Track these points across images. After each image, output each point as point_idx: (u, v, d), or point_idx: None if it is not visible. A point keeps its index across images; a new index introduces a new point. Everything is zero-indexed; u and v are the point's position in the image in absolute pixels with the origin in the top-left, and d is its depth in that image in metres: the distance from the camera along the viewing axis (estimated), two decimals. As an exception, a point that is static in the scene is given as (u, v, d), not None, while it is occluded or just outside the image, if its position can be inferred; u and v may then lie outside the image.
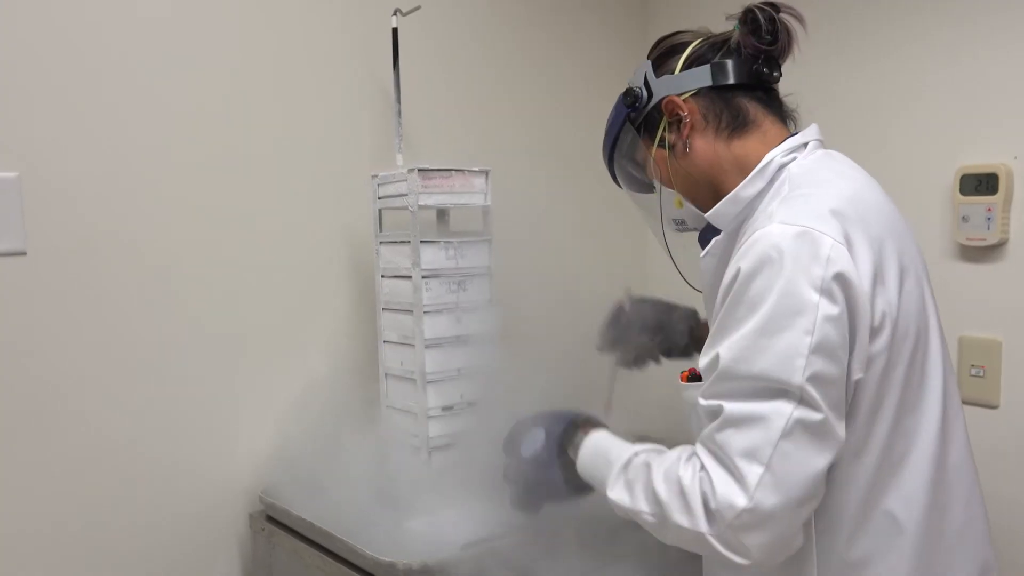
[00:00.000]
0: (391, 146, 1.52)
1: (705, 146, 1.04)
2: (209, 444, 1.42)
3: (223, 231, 1.42)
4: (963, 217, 1.46)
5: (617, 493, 0.99)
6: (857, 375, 0.89)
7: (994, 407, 1.49)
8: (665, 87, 1.05)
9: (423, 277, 1.34)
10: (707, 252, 1.04)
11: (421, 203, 1.34)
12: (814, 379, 0.85)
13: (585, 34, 1.89)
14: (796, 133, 1.06)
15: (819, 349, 0.85)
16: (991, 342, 1.47)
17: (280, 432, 1.48)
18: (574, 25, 1.87)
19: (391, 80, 1.50)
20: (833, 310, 0.86)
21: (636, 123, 1.09)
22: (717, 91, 1.03)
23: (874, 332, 0.89)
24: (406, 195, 1.36)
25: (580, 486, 1.08)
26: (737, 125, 1.03)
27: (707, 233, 1.06)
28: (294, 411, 1.48)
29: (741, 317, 0.89)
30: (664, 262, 1.19)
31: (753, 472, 0.85)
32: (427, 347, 1.35)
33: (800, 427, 0.85)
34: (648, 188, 1.16)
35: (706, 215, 1.04)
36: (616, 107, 1.11)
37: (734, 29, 1.05)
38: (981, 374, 1.49)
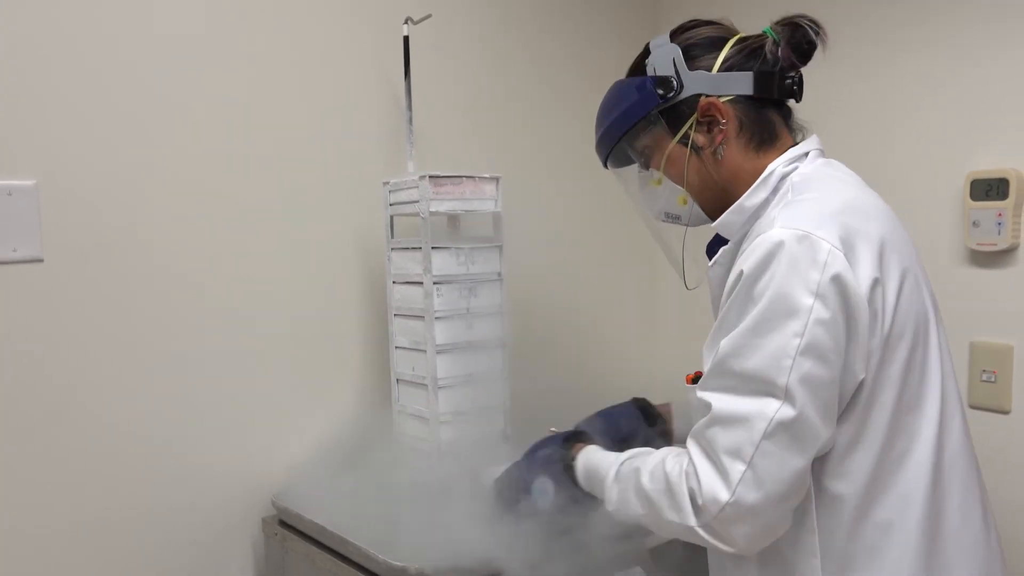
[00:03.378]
0: (402, 153, 1.53)
1: (735, 155, 1.03)
2: (221, 448, 1.43)
3: (236, 237, 1.43)
4: (974, 222, 1.46)
5: (614, 505, 1.04)
6: (860, 375, 0.91)
7: (1006, 412, 1.48)
8: (700, 84, 1.03)
9: (434, 283, 1.35)
10: (715, 262, 1.06)
11: (432, 209, 1.35)
12: (800, 380, 0.88)
13: (595, 41, 1.89)
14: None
15: (808, 351, 0.88)
16: (1002, 347, 1.47)
17: (293, 436, 1.49)
18: (584, 32, 1.87)
19: (402, 87, 1.51)
20: (826, 314, 0.88)
21: (658, 111, 1.05)
22: (753, 102, 1.03)
23: (872, 331, 0.91)
24: (418, 201, 1.37)
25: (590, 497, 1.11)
26: (765, 139, 1.04)
27: (714, 244, 1.08)
28: (306, 416, 1.49)
29: (739, 316, 0.92)
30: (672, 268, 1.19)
31: (736, 469, 0.90)
32: (438, 353, 1.36)
33: (782, 428, 0.89)
34: (633, 167, 1.15)
35: (713, 225, 1.06)
36: (639, 90, 1.06)
37: (766, 35, 1.04)
38: (993, 379, 1.48)
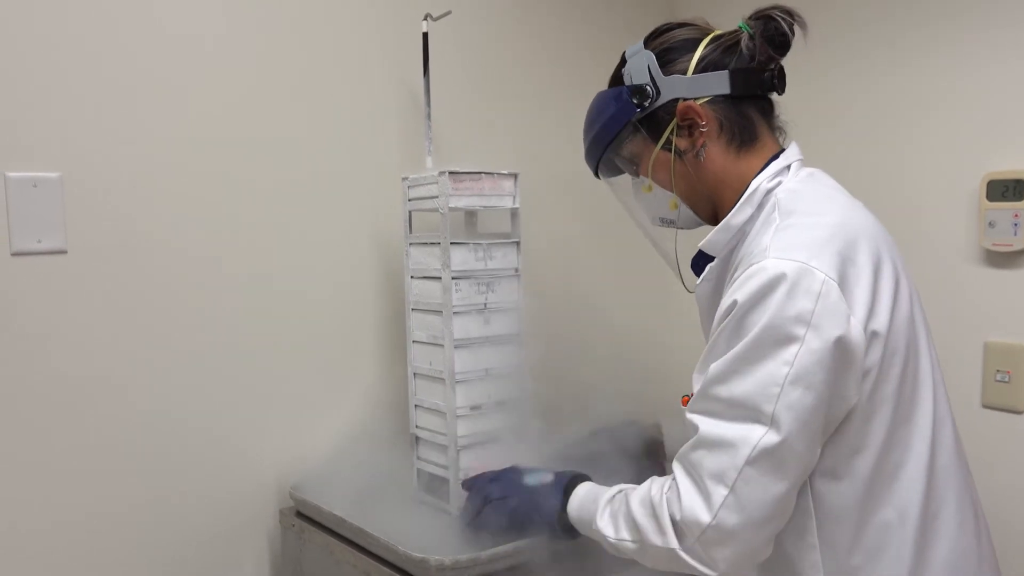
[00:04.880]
0: (420, 149, 1.54)
1: (717, 157, 1.04)
2: (239, 440, 1.45)
3: (255, 232, 1.44)
4: (990, 223, 1.47)
5: (603, 524, 1.05)
6: (853, 400, 0.92)
7: (1020, 412, 1.49)
8: (676, 88, 1.03)
9: (453, 278, 1.36)
10: (703, 279, 1.07)
11: (452, 205, 1.36)
12: (787, 408, 0.89)
13: (612, 38, 1.89)
14: (783, 149, 1.06)
15: (797, 380, 0.89)
16: (1017, 347, 1.47)
17: (309, 428, 1.50)
18: (601, 29, 1.88)
19: (421, 84, 1.52)
20: (817, 344, 0.89)
21: (637, 120, 1.06)
22: (731, 100, 1.02)
23: (866, 353, 0.92)
24: (436, 197, 1.37)
25: (566, 528, 1.12)
26: (745, 139, 1.04)
27: (700, 260, 1.08)
28: (323, 408, 1.51)
29: (730, 343, 0.93)
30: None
31: (719, 493, 0.91)
32: (456, 347, 1.36)
33: (765, 455, 0.90)
34: (625, 175, 1.16)
35: (700, 245, 1.06)
36: (616, 101, 1.07)
37: (740, 30, 1.03)
38: (1007, 379, 1.49)
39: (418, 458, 1.44)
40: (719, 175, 1.04)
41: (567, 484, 1.13)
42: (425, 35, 1.51)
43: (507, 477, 1.22)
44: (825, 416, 0.92)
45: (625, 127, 1.07)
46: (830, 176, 1.07)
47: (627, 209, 1.21)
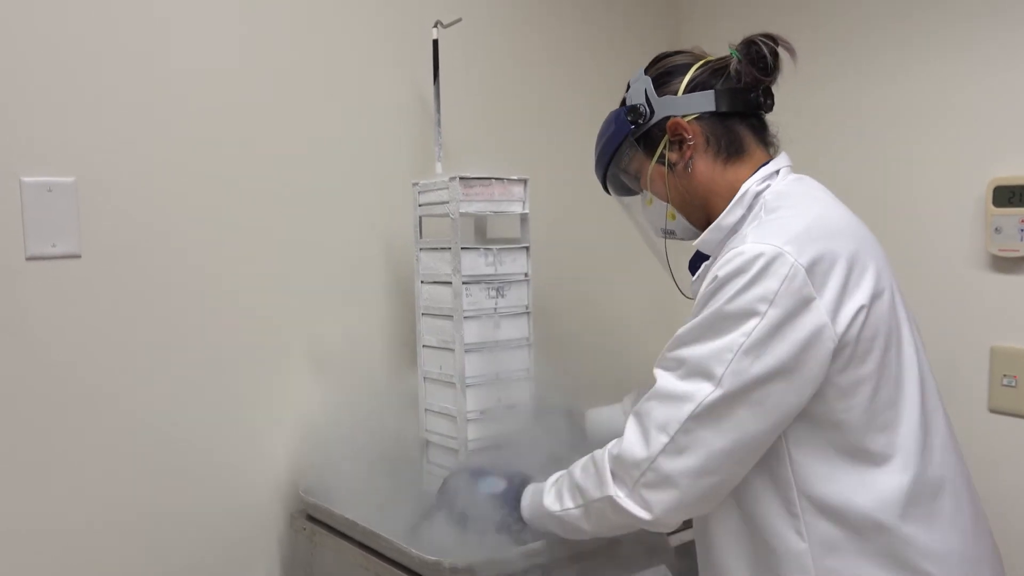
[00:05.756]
0: (429, 154, 1.55)
1: (704, 168, 1.12)
2: (250, 444, 1.45)
3: (266, 237, 1.45)
4: (996, 228, 1.48)
5: (549, 502, 1.12)
6: (820, 377, 0.97)
7: (1026, 417, 1.50)
8: (668, 107, 1.13)
9: (463, 283, 1.37)
10: (697, 277, 1.15)
11: (462, 211, 1.37)
12: (735, 372, 0.96)
13: (620, 45, 1.92)
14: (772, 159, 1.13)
15: (751, 350, 0.96)
16: (1023, 353, 1.48)
17: (320, 433, 1.50)
18: (609, 36, 1.90)
19: (431, 90, 1.53)
20: (777, 320, 0.95)
21: (635, 137, 1.16)
22: (718, 117, 1.11)
23: (840, 335, 0.96)
24: (447, 203, 1.38)
25: (519, 526, 1.18)
26: (732, 151, 1.12)
27: (697, 260, 1.16)
28: (334, 412, 1.51)
29: (700, 312, 1.01)
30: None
31: (659, 440, 0.99)
32: (467, 351, 1.37)
33: (707, 411, 0.97)
34: (634, 194, 1.25)
35: (694, 243, 1.14)
36: (615, 121, 1.18)
37: (731, 56, 1.12)
38: (1013, 384, 1.50)
39: (428, 461, 1.45)
40: (707, 185, 1.12)
41: (518, 489, 1.20)
42: (435, 42, 1.52)
43: (460, 486, 1.25)
44: (792, 389, 0.96)
45: (624, 144, 1.17)
46: (818, 181, 1.14)
47: (634, 223, 1.30)
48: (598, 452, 1.08)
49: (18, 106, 1.22)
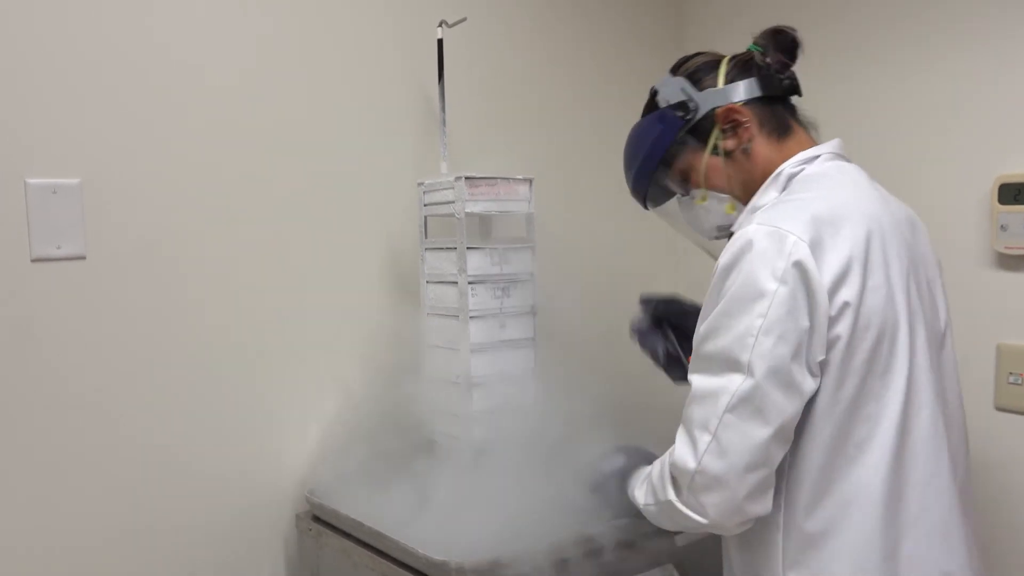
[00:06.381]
0: (434, 154, 1.55)
1: (763, 147, 1.13)
2: (255, 445, 1.45)
3: (270, 238, 1.45)
4: (1002, 226, 1.48)
5: (639, 493, 1.16)
6: (819, 356, 0.98)
7: (1033, 414, 1.50)
8: (713, 99, 1.15)
9: (469, 283, 1.37)
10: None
11: (468, 210, 1.37)
12: (761, 356, 0.96)
13: (623, 45, 1.92)
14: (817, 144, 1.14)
15: (770, 330, 0.96)
16: (1030, 350, 1.48)
17: (325, 433, 1.51)
18: (613, 35, 1.89)
19: (436, 89, 1.53)
20: (786, 296, 0.96)
21: (686, 133, 1.15)
22: (763, 101, 1.13)
23: (832, 320, 0.98)
24: (452, 202, 1.38)
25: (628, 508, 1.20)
26: (782, 130, 1.14)
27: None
28: (339, 412, 1.51)
29: (715, 303, 1.02)
30: (698, 268, 1.23)
31: (703, 440, 1.00)
32: (472, 351, 1.37)
33: (743, 401, 0.97)
34: (670, 198, 1.24)
35: (732, 228, 1.13)
36: (661, 120, 1.17)
37: (753, 50, 1.15)
38: (1019, 381, 1.49)
39: (434, 461, 1.44)
40: (766, 166, 1.12)
41: (629, 469, 1.22)
42: (440, 41, 1.52)
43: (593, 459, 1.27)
44: (805, 369, 0.97)
45: (673, 142, 1.16)
46: (863, 171, 1.13)
47: (682, 231, 1.28)
48: (664, 456, 1.09)
49: (23, 108, 1.22)
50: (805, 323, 0.97)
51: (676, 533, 1.25)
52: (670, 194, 1.24)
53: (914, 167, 1.61)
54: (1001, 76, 1.49)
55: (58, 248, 1.25)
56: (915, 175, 1.61)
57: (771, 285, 0.96)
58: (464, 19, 1.51)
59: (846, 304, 0.98)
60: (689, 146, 1.16)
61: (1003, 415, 1.51)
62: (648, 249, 1.93)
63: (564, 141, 1.80)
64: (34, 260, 1.24)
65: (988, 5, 1.49)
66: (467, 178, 1.37)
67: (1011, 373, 1.50)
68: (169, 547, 1.36)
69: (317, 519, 1.42)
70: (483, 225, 1.49)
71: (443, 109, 1.52)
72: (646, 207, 1.26)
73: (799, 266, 0.96)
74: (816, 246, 0.97)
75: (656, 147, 1.17)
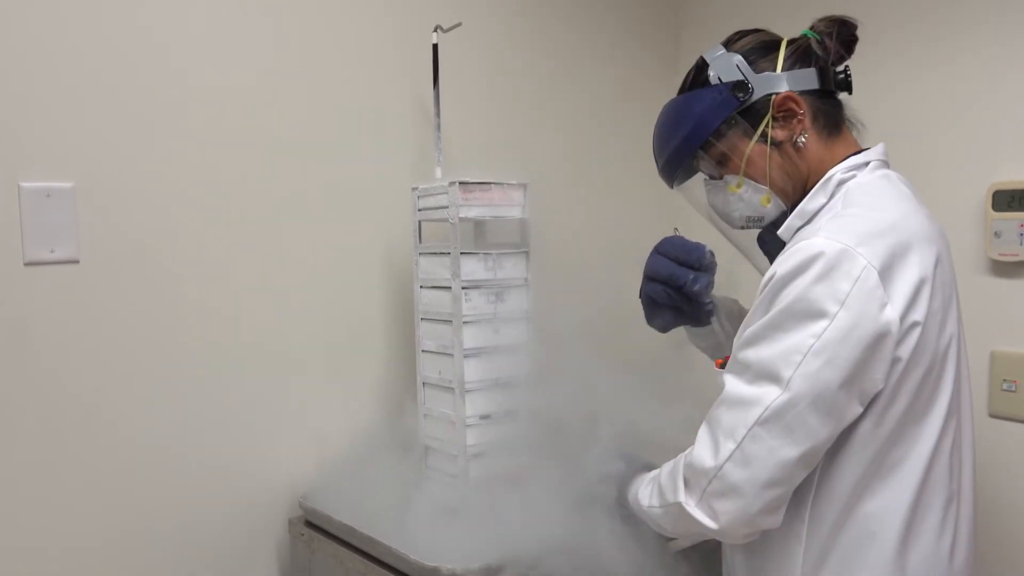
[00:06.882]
0: (429, 159, 1.55)
1: (815, 144, 1.08)
2: (248, 450, 1.45)
3: (266, 242, 1.45)
4: (995, 233, 1.48)
5: (643, 494, 1.12)
6: (879, 386, 0.95)
7: (1026, 422, 1.50)
8: (769, 84, 1.08)
9: (463, 288, 1.37)
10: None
11: (462, 215, 1.37)
12: (805, 376, 0.93)
13: (619, 50, 1.92)
14: (862, 148, 1.11)
15: (820, 352, 0.92)
16: (1023, 357, 1.48)
17: (318, 438, 1.50)
18: (609, 41, 1.90)
19: (431, 95, 1.53)
20: (846, 323, 0.92)
21: (738, 113, 1.09)
22: (819, 94, 1.09)
23: (897, 344, 0.94)
24: (447, 207, 1.38)
25: (624, 516, 1.17)
26: (832, 128, 1.10)
27: (775, 247, 1.10)
28: (332, 417, 1.51)
29: (767, 312, 0.97)
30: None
31: (727, 446, 0.97)
32: (466, 357, 1.37)
33: (776, 417, 0.94)
34: (691, 176, 1.18)
35: (779, 232, 1.09)
36: (716, 95, 1.09)
37: (808, 36, 1.10)
38: (1013, 389, 1.50)
39: (428, 467, 1.44)
40: (813, 164, 1.08)
41: (629, 475, 1.20)
42: (435, 47, 1.52)
43: (590, 462, 1.25)
44: (855, 397, 0.95)
45: (724, 122, 1.09)
46: (906, 181, 1.11)
47: (705, 215, 1.22)
48: (678, 457, 1.07)
49: (16, 111, 1.21)
50: (859, 352, 0.93)
51: (670, 540, 1.25)
52: (693, 173, 1.18)
53: (908, 174, 1.60)
54: (995, 84, 1.49)
55: (51, 252, 1.25)
56: (910, 181, 1.61)
57: (832, 307, 0.92)
58: (459, 24, 1.51)
59: (913, 325, 0.95)
60: (736, 129, 1.09)
61: (997, 422, 1.52)
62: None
63: (559, 146, 1.80)
64: (27, 264, 1.23)
65: (981, 14, 1.50)
66: (461, 183, 1.37)
67: (1004, 380, 1.50)
68: (160, 551, 1.36)
69: (310, 524, 1.42)
70: (477, 230, 1.49)
71: (438, 114, 1.52)
72: (672, 186, 1.20)
73: (868, 296, 0.92)
74: (886, 272, 0.93)
75: (704, 124, 1.10)
